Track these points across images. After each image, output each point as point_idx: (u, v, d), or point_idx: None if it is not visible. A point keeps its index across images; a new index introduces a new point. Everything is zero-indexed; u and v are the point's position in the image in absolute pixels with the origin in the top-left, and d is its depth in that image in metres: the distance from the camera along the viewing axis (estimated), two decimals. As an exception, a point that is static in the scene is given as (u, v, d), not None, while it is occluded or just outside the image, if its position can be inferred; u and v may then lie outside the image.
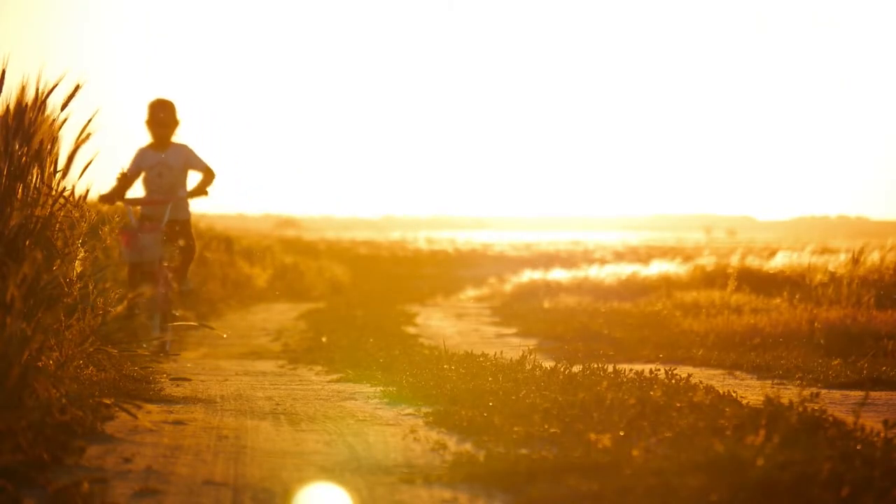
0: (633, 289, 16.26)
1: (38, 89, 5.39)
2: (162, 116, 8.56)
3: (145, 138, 8.57)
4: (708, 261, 17.38)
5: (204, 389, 6.15)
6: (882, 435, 4.08)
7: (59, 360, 5.07)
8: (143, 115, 8.59)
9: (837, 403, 5.79)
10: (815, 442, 4.05)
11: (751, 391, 6.22)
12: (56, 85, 5.41)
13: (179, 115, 8.64)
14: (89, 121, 5.62)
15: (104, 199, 8.48)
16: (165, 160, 8.59)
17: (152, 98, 8.65)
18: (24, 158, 5.31)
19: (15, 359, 4.02)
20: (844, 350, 8.61)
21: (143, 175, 8.61)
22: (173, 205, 8.51)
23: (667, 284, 15.63)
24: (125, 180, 8.54)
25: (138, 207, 8.52)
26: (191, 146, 8.64)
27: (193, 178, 8.60)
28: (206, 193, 8.56)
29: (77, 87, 5.53)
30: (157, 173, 8.54)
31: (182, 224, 8.59)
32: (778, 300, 11.60)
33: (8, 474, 3.54)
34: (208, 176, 8.57)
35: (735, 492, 3.39)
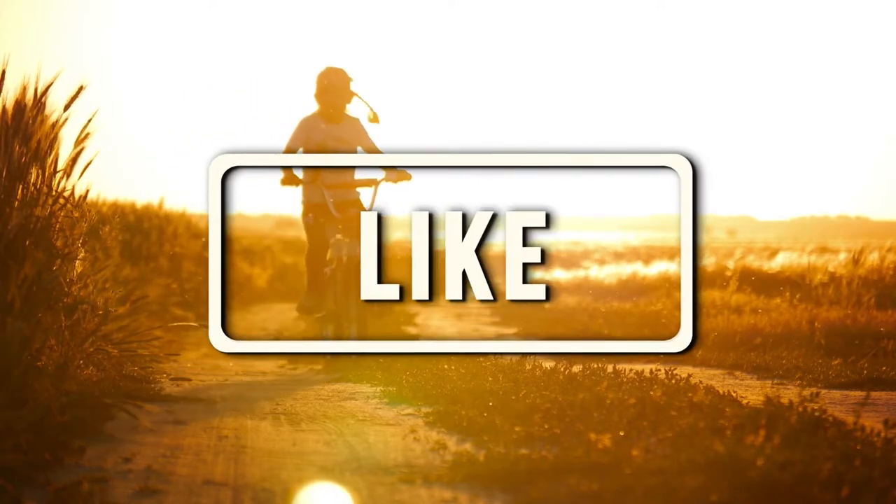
0: (633, 289, 16.26)
1: (36, 89, 5.39)
2: (335, 82, 7.51)
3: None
4: (708, 261, 17.38)
5: (204, 389, 6.15)
6: (882, 435, 4.08)
7: (59, 360, 5.07)
8: (312, 88, 7.57)
9: (837, 403, 5.79)
10: (815, 442, 4.05)
11: (751, 391, 6.22)
12: (51, 83, 5.41)
13: (354, 85, 7.56)
14: (89, 121, 5.63)
15: (288, 180, 7.37)
16: (339, 133, 7.55)
17: (322, 68, 7.61)
18: (23, 158, 5.31)
19: (15, 359, 4.02)
20: (844, 350, 8.61)
21: (303, 150, 7.53)
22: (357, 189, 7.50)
23: (667, 284, 15.63)
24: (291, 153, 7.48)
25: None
26: (363, 121, 7.61)
27: None
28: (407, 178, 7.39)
29: (80, 89, 5.53)
30: (330, 149, 7.48)
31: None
32: (778, 300, 11.59)
33: (8, 474, 3.54)
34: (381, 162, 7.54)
35: (735, 492, 3.39)
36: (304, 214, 7.59)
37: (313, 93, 7.56)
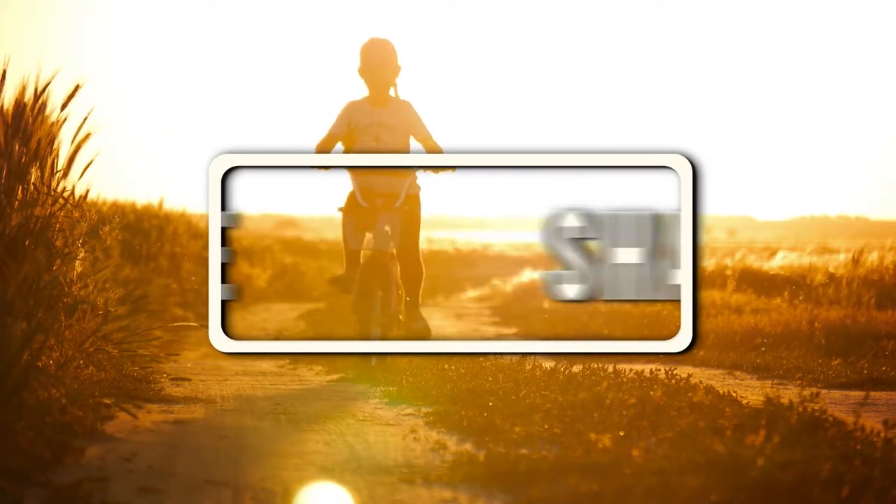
0: (634, 289, 16.23)
1: (36, 89, 5.40)
2: (379, 57, 6.67)
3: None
4: (708, 261, 17.37)
5: (204, 389, 6.15)
6: (882, 435, 4.09)
7: (59, 360, 5.07)
8: (357, 62, 6.76)
9: (837, 403, 5.79)
10: (815, 442, 4.05)
11: (751, 391, 6.22)
12: (49, 82, 5.41)
13: (400, 61, 6.73)
14: (85, 119, 5.63)
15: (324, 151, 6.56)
16: (383, 119, 6.67)
17: (366, 40, 6.77)
18: (23, 158, 5.32)
19: (15, 359, 4.02)
20: (844, 350, 8.61)
21: (348, 132, 6.71)
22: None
23: (667, 284, 15.59)
24: (332, 141, 6.68)
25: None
26: (416, 107, 6.75)
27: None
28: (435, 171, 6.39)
29: (77, 87, 5.54)
30: (372, 136, 6.67)
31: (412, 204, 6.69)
32: (778, 300, 11.59)
33: (8, 474, 3.54)
34: (434, 153, 6.53)
35: (735, 492, 3.39)
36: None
37: (357, 68, 6.78)
